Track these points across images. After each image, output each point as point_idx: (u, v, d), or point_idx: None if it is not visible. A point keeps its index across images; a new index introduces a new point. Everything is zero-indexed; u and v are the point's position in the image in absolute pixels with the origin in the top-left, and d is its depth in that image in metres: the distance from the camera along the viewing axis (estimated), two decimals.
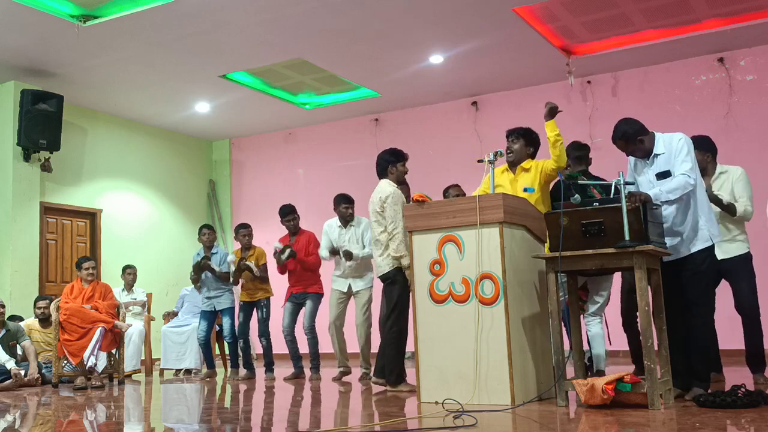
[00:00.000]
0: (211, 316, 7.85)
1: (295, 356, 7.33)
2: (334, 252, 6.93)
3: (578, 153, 5.42)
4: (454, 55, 8.44)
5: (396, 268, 5.45)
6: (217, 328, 8.49)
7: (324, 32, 7.74)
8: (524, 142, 5.16)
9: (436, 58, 8.55)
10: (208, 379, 7.72)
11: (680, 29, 8.00)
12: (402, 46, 8.17)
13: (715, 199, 5.15)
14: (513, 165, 5.19)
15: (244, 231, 7.70)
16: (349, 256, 6.74)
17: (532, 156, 5.21)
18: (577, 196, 4.24)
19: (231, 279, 7.68)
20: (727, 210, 5.22)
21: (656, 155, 4.36)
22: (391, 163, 5.65)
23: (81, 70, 8.56)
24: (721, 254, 5.16)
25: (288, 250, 7.13)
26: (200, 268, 7.63)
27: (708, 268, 4.33)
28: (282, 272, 7.39)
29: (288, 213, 7.41)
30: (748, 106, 8.36)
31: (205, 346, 7.87)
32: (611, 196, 4.16)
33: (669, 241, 4.34)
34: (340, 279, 7.00)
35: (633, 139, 4.36)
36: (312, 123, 10.99)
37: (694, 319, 4.27)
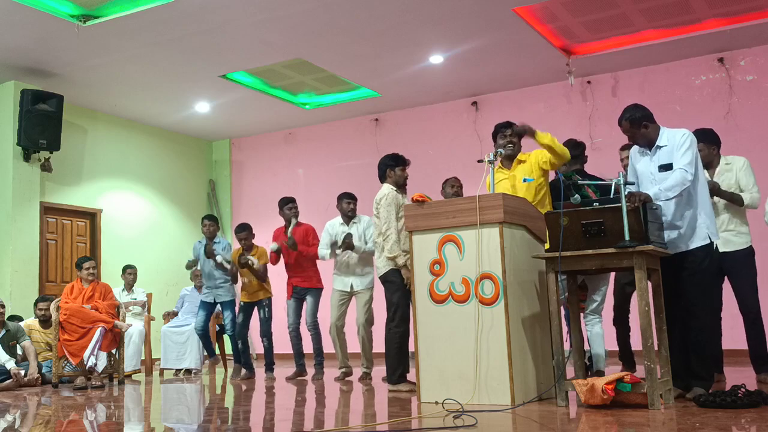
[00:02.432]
0: (210, 307, 7.89)
1: (299, 353, 7.34)
2: (334, 246, 6.89)
3: (573, 152, 5.42)
4: (454, 55, 8.44)
5: (391, 269, 5.47)
6: (217, 327, 8.50)
7: (324, 32, 7.74)
8: (518, 136, 5.21)
9: (436, 58, 8.55)
10: (215, 366, 7.81)
11: (680, 29, 8.00)
12: (402, 46, 8.17)
13: (717, 191, 5.14)
14: (510, 159, 5.22)
15: (242, 234, 7.65)
16: (350, 246, 6.74)
17: (520, 147, 5.27)
18: (577, 196, 4.24)
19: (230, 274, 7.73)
20: (733, 200, 5.22)
21: (659, 147, 4.36)
22: (389, 167, 5.70)
23: (81, 70, 8.56)
24: (723, 246, 5.16)
25: (291, 242, 7.13)
26: (206, 254, 7.67)
27: (708, 266, 4.32)
28: (274, 262, 7.39)
29: (288, 202, 7.46)
30: (748, 106, 8.36)
31: (204, 336, 7.91)
32: (611, 196, 4.16)
33: (667, 235, 4.33)
34: (342, 277, 6.99)
35: (638, 123, 4.37)
36: (312, 123, 10.99)
37: (694, 320, 4.26)
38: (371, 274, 6.95)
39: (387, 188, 5.62)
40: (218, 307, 8.00)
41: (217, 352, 8.61)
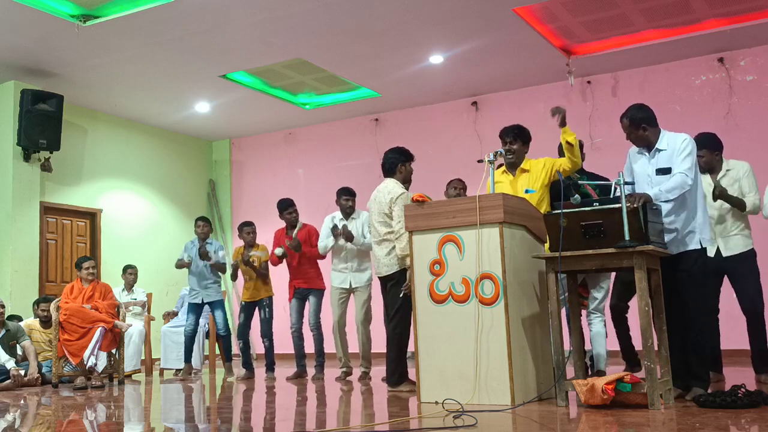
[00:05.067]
0: (198, 309, 7.91)
1: (300, 354, 7.34)
2: (334, 232, 6.83)
3: None
4: (454, 55, 8.44)
5: (401, 269, 5.46)
6: (204, 325, 8.48)
7: (324, 32, 7.74)
8: (521, 142, 5.13)
9: (436, 58, 8.55)
10: (190, 375, 7.76)
11: (680, 29, 8.00)
12: (402, 46, 8.17)
13: (724, 195, 5.16)
14: (512, 166, 5.16)
15: (248, 229, 7.74)
16: (350, 237, 6.74)
17: (526, 153, 5.19)
18: (577, 196, 4.23)
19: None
20: (737, 206, 5.23)
21: (658, 150, 4.37)
22: (401, 162, 5.67)
23: (81, 70, 8.56)
24: (725, 251, 5.20)
25: (295, 243, 7.12)
26: (200, 255, 7.69)
27: (702, 267, 4.33)
28: (275, 263, 7.39)
29: (287, 206, 7.43)
30: (748, 106, 8.36)
31: (190, 341, 7.90)
32: (611, 196, 4.16)
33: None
34: (340, 274, 6.98)
35: (637, 124, 4.37)
36: (312, 123, 10.99)
37: (692, 320, 4.27)
38: (369, 270, 6.93)
39: (398, 186, 5.57)
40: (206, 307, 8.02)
41: (217, 351, 8.60)
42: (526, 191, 5.02)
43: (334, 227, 6.87)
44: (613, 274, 5.39)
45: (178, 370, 8.50)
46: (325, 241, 7.02)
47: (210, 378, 7.96)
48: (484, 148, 9.14)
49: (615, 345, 5.94)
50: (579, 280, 4.95)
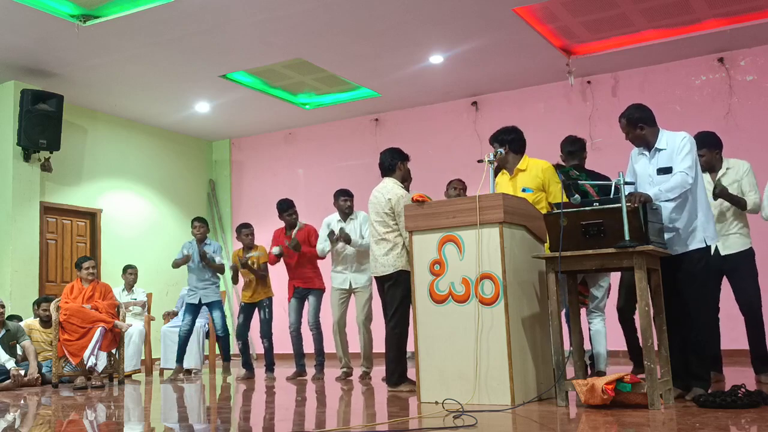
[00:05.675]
0: (196, 309, 7.92)
1: (299, 354, 7.34)
2: (330, 238, 6.84)
3: (571, 148, 5.41)
4: (454, 55, 8.44)
5: (399, 270, 5.47)
6: (204, 325, 8.48)
7: (324, 32, 7.74)
8: (498, 145, 5.09)
9: (436, 58, 8.55)
10: (180, 375, 7.77)
11: (680, 29, 8.00)
12: (402, 46, 8.17)
13: (725, 194, 5.16)
14: (507, 168, 5.17)
15: (246, 231, 7.74)
16: (347, 239, 6.74)
17: (520, 152, 5.15)
18: (577, 196, 4.23)
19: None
20: (738, 204, 5.24)
21: (658, 149, 4.37)
22: (401, 160, 5.74)
23: (81, 70, 8.56)
24: (724, 249, 5.20)
25: (294, 243, 7.14)
26: (200, 258, 7.72)
27: (703, 268, 4.33)
28: (273, 263, 7.40)
29: (288, 207, 7.44)
30: (748, 106, 8.36)
31: (184, 341, 7.91)
32: (611, 196, 4.16)
33: (665, 236, 4.34)
34: (340, 275, 6.99)
35: (634, 123, 4.37)
36: (312, 123, 10.99)
37: (692, 320, 4.27)
38: (369, 271, 6.92)
39: (397, 186, 5.60)
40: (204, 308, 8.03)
41: (217, 351, 8.60)
42: (524, 190, 5.02)
43: (330, 233, 6.87)
44: (613, 273, 5.39)
45: None
46: (323, 244, 7.03)
47: (210, 378, 7.96)
48: (484, 148, 9.10)
49: (615, 345, 5.94)
50: (579, 279, 4.95)
